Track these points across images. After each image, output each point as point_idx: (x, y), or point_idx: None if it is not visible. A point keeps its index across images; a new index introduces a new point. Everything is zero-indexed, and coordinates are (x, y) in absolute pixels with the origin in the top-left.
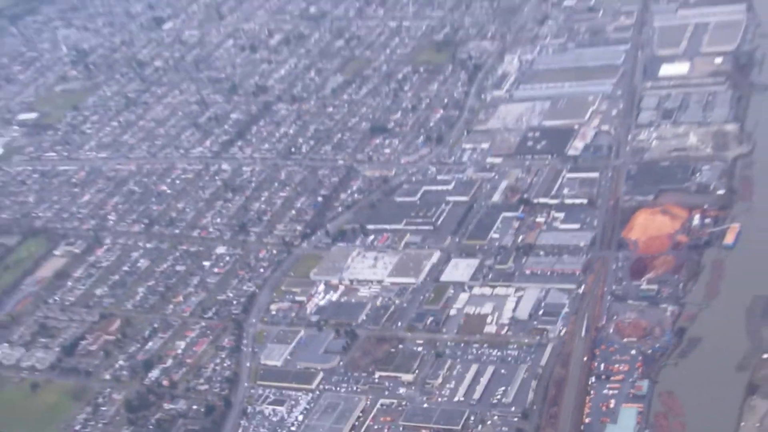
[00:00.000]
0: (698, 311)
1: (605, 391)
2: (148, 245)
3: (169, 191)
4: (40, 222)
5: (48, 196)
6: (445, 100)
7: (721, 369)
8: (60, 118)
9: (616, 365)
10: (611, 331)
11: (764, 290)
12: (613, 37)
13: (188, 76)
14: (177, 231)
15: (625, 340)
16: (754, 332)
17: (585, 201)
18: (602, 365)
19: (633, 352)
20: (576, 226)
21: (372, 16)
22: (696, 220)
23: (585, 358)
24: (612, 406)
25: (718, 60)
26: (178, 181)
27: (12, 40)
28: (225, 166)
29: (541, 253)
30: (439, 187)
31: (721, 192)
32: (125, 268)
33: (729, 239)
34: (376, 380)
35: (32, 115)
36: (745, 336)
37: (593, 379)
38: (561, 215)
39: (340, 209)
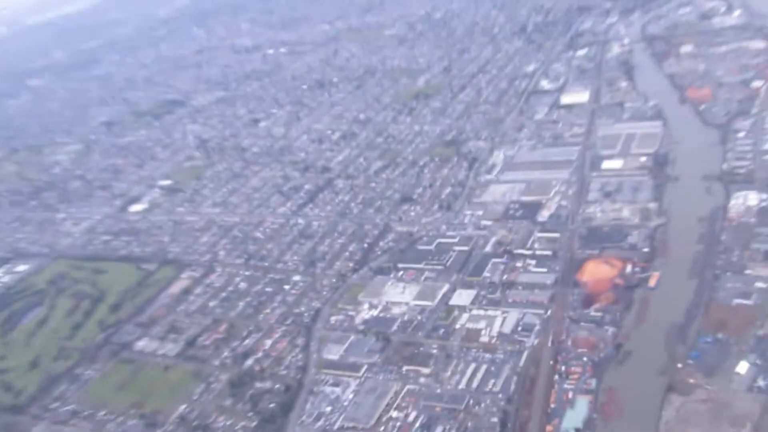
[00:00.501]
0: (630, 332)
1: (565, 386)
2: (246, 273)
3: (261, 237)
4: (172, 255)
5: (178, 237)
6: (452, 181)
7: (647, 373)
8: (187, 185)
9: (573, 368)
10: (569, 343)
11: (677, 319)
12: (569, 141)
13: (275, 159)
14: (266, 264)
15: (579, 350)
16: (671, 348)
17: (550, 253)
18: (563, 367)
19: (585, 359)
20: (544, 270)
21: (402, 122)
22: (628, 269)
23: (551, 362)
24: (570, 396)
25: (643, 159)
26: (267, 230)
27: (156, 131)
28: (300, 221)
29: (520, 287)
30: (448, 240)
31: (646, 250)
32: (230, 288)
33: (652, 283)
34: (404, 372)
35: (168, 182)
36: (664, 350)
37: (557, 377)
38: (533, 262)
39: (379, 253)
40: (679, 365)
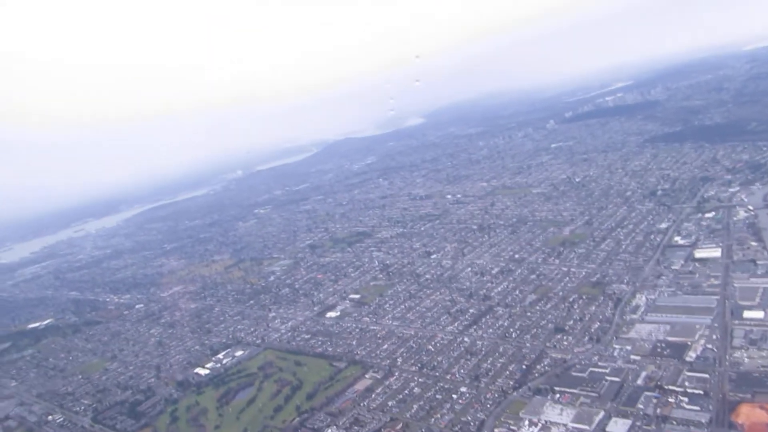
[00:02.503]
0: None
1: None
2: (420, 379)
3: (432, 349)
4: (358, 356)
5: (363, 342)
6: (600, 317)
7: None
8: (372, 300)
9: None
10: None
11: None
12: (707, 290)
13: (444, 285)
14: (437, 373)
15: None
16: None
17: (701, 392)
18: None
19: None
20: (697, 408)
21: (551, 263)
22: None
23: None
24: None
25: None
26: (438, 344)
27: (348, 255)
28: (466, 339)
29: (674, 422)
30: (600, 369)
31: None
32: (406, 391)
33: None
34: None
35: (357, 296)
36: None
37: None
38: (685, 399)
39: (536, 375)
40: None
